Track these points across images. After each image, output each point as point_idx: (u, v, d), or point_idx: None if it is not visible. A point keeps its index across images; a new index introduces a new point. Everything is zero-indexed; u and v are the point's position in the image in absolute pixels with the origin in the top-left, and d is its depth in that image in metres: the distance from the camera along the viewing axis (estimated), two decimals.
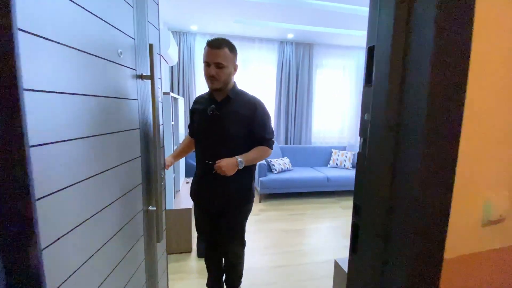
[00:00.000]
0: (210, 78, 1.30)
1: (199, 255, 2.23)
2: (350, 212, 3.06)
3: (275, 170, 3.76)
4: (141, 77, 1.03)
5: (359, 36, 4.08)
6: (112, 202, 0.75)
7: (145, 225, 1.09)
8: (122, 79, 0.85)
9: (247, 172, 1.42)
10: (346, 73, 4.86)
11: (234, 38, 4.21)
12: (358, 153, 0.70)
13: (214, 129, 1.38)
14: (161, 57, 1.25)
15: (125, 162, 0.86)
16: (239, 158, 1.32)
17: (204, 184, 1.44)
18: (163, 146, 1.30)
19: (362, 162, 0.69)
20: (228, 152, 1.33)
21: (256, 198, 3.77)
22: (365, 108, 0.67)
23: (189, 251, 2.30)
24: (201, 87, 4.18)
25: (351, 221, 0.74)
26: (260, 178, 3.55)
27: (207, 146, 1.41)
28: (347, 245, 2.63)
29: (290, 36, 4.17)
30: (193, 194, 1.52)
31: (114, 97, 0.79)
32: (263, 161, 3.64)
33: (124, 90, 0.86)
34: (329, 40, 4.37)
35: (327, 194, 4.02)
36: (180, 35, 3.99)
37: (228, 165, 1.29)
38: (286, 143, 4.60)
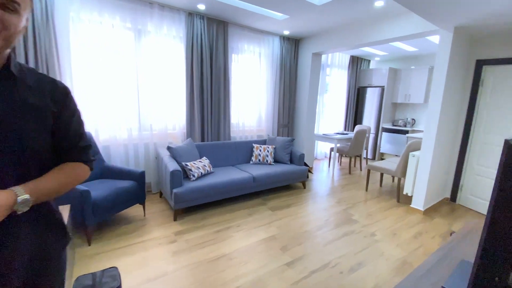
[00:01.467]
0: None
1: None
2: (280, 215, 2.35)
3: (193, 176, 2.96)
4: None
5: (276, 20, 3.73)
6: None
7: None
8: None
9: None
10: (262, 60, 4.50)
11: None
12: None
13: None
14: None
15: None
16: (21, 192, 0.64)
17: None
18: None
19: None
20: (18, 180, 0.68)
21: (170, 216, 2.88)
22: None
23: None
24: (65, 57, 2.80)
25: None
26: (174, 190, 2.67)
27: None
28: (291, 262, 1.97)
29: (200, 7, 3.34)
30: None
31: None
32: (177, 167, 2.76)
33: None
34: (245, 20, 3.82)
35: (253, 195, 3.58)
36: None
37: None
38: (202, 140, 3.83)
